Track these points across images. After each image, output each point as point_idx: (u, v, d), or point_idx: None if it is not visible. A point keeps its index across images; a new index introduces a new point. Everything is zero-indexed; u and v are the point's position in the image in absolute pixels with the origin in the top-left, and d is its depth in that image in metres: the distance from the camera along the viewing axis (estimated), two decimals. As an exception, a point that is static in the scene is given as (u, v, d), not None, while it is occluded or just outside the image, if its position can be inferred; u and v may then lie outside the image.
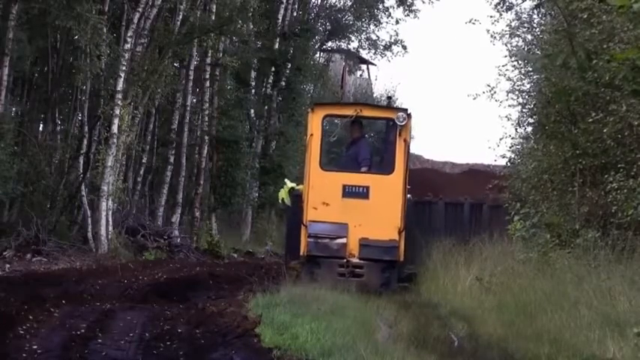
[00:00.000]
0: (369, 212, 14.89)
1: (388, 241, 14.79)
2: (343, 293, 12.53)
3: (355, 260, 14.82)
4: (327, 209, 14.96)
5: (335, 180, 15.16)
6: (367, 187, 15.06)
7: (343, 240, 14.79)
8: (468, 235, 18.18)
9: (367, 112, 15.96)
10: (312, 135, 15.27)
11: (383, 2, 39.17)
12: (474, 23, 21.24)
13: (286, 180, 16.97)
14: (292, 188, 16.33)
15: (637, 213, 13.05)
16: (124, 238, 21.91)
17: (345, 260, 14.78)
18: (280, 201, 16.63)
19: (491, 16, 24.55)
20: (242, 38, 30.19)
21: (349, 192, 15.05)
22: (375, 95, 49.29)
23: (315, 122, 15.31)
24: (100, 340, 9.18)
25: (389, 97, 17.85)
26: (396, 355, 8.50)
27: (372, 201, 14.98)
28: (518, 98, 20.82)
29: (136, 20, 22.18)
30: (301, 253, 14.90)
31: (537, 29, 20.96)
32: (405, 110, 15.34)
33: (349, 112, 15.71)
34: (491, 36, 20.52)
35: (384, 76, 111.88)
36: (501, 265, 14.46)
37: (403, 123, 14.90)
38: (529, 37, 21.04)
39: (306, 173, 15.30)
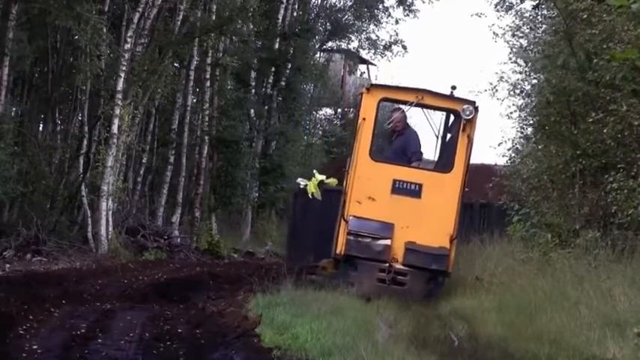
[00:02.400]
0: (419, 213, 13.31)
1: (438, 249, 13.22)
2: (343, 293, 12.49)
3: (398, 266, 13.20)
4: (373, 205, 13.35)
5: (385, 173, 13.49)
6: (420, 185, 13.43)
7: (387, 241, 13.18)
8: None
9: (429, 101, 13.74)
10: (364, 119, 13.55)
11: (383, 2, 39.25)
12: (479, 16, 21.38)
13: (315, 171, 15.10)
14: (322, 181, 14.68)
15: (637, 213, 13.06)
16: (124, 238, 21.92)
17: (387, 265, 13.15)
18: (310, 195, 14.71)
19: (496, 10, 24.69)
20: (242, 38, 30.20)
21: (399, 188, 13.42)
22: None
23: (369, 105, 13.56)
24: (100, 340, 9.18)
25: (453, 87, 13.88)
26: (396, 355, 8.49)
27: (424, 201, 13.37)
28: (518, 100, 20.87)
29: (136, 20, 22.18)
30: (337, 251, 13.35)
31: (539, 29, 20.99)
32: (472, 103, 13.55)
33: (410, 97, 13.66)
34: (494, 33, 20.58)
35: (384, 76, 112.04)
36: (501, 265, 14.45)
37: (469, 117, 13.29)
38: (531, 36, 21.08)
39: (353, 162, 13.52)
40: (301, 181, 15.23)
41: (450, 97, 13.67)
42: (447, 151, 13.97)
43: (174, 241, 23.91)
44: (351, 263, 13.26)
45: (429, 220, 13.29)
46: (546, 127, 17.71)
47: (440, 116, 14.48)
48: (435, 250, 13.20)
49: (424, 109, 14.04)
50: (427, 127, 14.45)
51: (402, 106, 13.97)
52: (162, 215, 26.52)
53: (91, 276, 16.02)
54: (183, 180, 27.40)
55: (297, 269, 14.27)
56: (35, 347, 8.57)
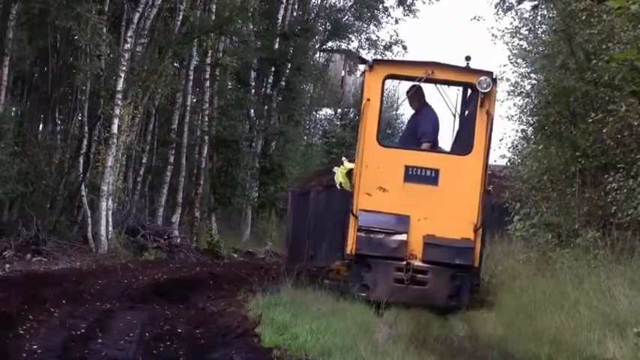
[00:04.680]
0: (437, 202, 11.93)
1: (461, 241, 11.88)
2: (345, 295, 12.46)
3: (417, 263, 11.85)
4: (385, 196, 11.98)
5: (396, 159, 12.11)
6: (436, 171, 12.04)
7: (403, 236, 11.82)
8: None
9: (440, 75, 12.26)
10: (368, 100, 12.12)
11: (383, 2, 39.29)
12: (478, 20, 21.41)
13: (344, 159, 13.35)
14: (351, 170, 12.91)
15: (637, 213, 13.04)
16: (124, 238, 21.93)
17: (404, 262, 11.79)
18: (338, 186, 13.13)
19: (496, 12, 24.78)
20: (242, 38, 30.25)
21: (413, 175, 12.02)
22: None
23: (373, 84, 12.16)
24: (100, 340, 9.18)
25: (467, 58, 12.32)
26: (396, 355, 8.50)
27: (441, 188, 11.99)
28: (518, 101, 20.88)
29: (135, 20, 22.20)
30: (348, 251, 11.99)
31: (539, 29, 21.01)
32: (489, 74, 12.17)
33: (418, 73, 12.22)
34: (493, 35, 20.59)
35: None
36: (501, 265, 14.45)
37: (487, 90, 11.90)
38: (531, 36, 21.10)
39: (359, 149, 12.12)
40: (337, 170, 13.57)
41: (464, 69, 12.27)
42: (465, 130, 12.55)
43: (174, 241, 23.92)
44: (364, 263, 11.88)
45: (448, 209, 11.94)
46: (546, 128, 17.71)
47: (456, 93, 13.16)
48: (458, 243, 11.87)
49: (437, 85, 12.61)
50: (446, 109, 13.06)
51: (416, 83, 12.60)
52: (162, 215, 26.56)
53: (91, 276, 16.03)
54: (183, 180, 27.43)
55: (296, 271, 14.21)
56: (35, 347, 8.56)
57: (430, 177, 12.05)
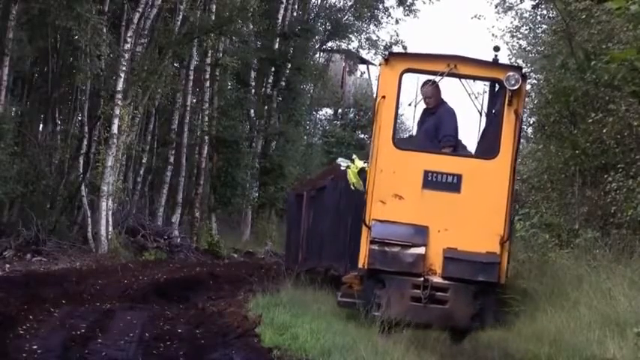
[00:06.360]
0: (459, 212, 10.82)
1: (485, 255, 10.70)
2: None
3: (437, 280, 10.68)
4: (401, 205, 10.85)
5: (414, 163, 10.96)
6: (459, 176, 10.88)
7: (420, 250, 10.70)
8: None
9: (464, 70, 11.10)
10: (383, 97, 11.00)
11: (383, 2, 39.31)
12: (479, 18, 21.46)
13: (354, 156, 12.17)
14: (363, 169, 11.77)
15: (637, 213, 13.05)
16: (124, 238, 21.95)
17: (421, 279, 10.63)
18: (352, 186, 11.95)
19: (496, 12, 24.83)
20: (242, 38, 30.25)
21: (433, 181, 10.89)
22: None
23: (389, 79, 10.99)
24: (100, 340, 9.19)
25: (496, 49, 11.27)
26: (396, 355, 8.51)
27: (464, 196, 10.85)
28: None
29: (135, 20, 22.22)
30: (360, 265, 10.84)
31: (539, 29, 21.02)
32: (518, 69, 11.26)
33: (440, 67, 11.07)
34: (493, 35, 20.62)
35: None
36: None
37: (515, 87, 10.77)
38: (531, 36, 21.12)
39: (373, 151, 10.99)
40: (342, 162, 12.48)
41: (490, 64, 11.15)
42: (491, 132, 11.48)
43: (174, 241, 23.94)
44: (378, 279, 10.74)
45: (472, 219, 10.82)
46: (546, 127, 17.73)
47: (480, 91, 12.13)
48: (482, 257, 10.71)
49: (460, 81, 11.44)
50: (466, 108, 11.97)
51: (434, 78, 11.45)
52: (162, 215, 26.56)
53: (91, 276, 16.04)
54: (183, 180, 27.44)
55: (296, 271, 14.15)
56: (35, 347, 8.57)
57: (452, 183, 10.93)
